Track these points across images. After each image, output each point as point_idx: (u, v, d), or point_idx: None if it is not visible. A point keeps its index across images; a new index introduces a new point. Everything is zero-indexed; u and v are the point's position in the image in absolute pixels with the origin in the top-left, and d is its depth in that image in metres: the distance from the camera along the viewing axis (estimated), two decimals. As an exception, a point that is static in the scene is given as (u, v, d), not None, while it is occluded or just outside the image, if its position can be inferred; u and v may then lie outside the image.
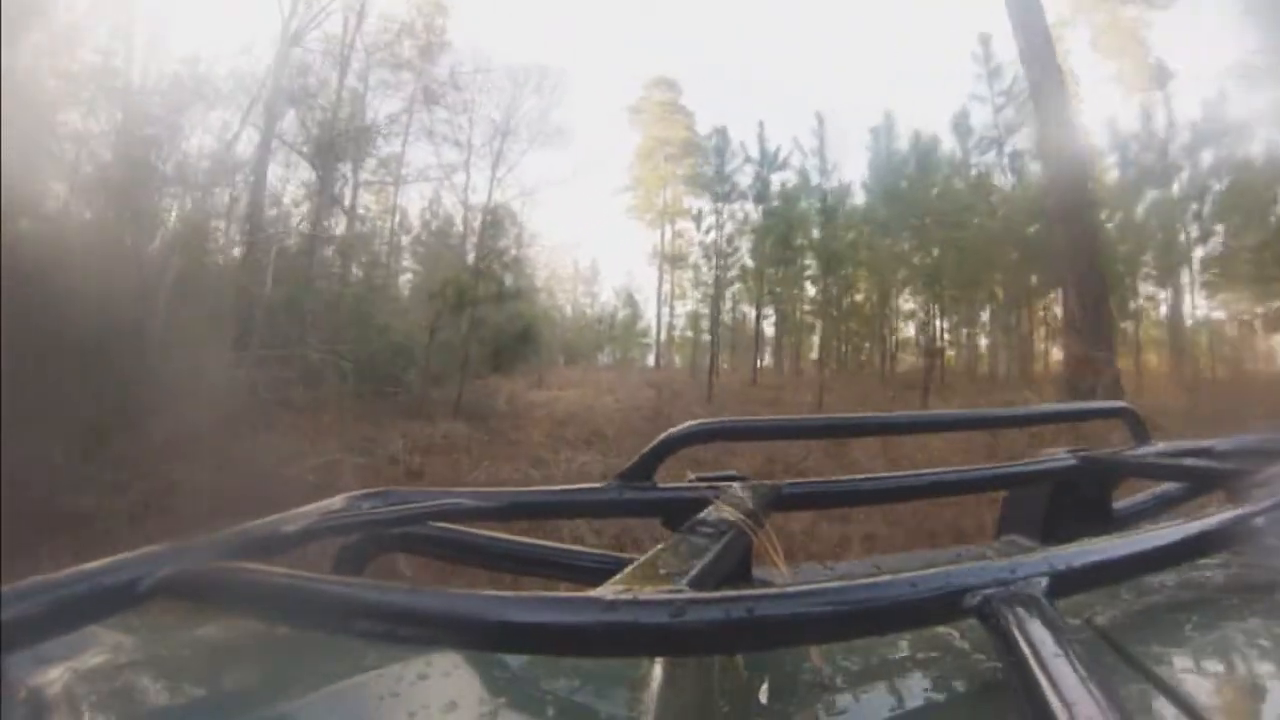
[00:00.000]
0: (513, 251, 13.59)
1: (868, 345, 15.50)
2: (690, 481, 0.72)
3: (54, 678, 0.47)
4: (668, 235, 16.77)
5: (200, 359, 7.41)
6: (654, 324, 17.27)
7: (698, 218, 14.62)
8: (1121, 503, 0.88)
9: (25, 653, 0.41)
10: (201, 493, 4.89)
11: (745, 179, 14.19)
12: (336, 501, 0.60)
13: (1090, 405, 1.13)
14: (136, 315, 7.37)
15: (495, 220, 13.27)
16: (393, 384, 11.34)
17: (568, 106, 13.89)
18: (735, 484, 0.68)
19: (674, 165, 16.56)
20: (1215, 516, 0.52)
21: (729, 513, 0.58)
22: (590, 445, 8.98)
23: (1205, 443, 0.87)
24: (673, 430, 0.77)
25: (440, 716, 0.44)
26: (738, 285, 14.54)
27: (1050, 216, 11.59)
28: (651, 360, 17.21)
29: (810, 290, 14.94)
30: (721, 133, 14.38)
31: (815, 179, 14.33)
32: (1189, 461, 0.85)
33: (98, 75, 9.77)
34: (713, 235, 14.06)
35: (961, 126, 14.40)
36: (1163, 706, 0.41)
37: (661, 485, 0.73)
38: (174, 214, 10.53)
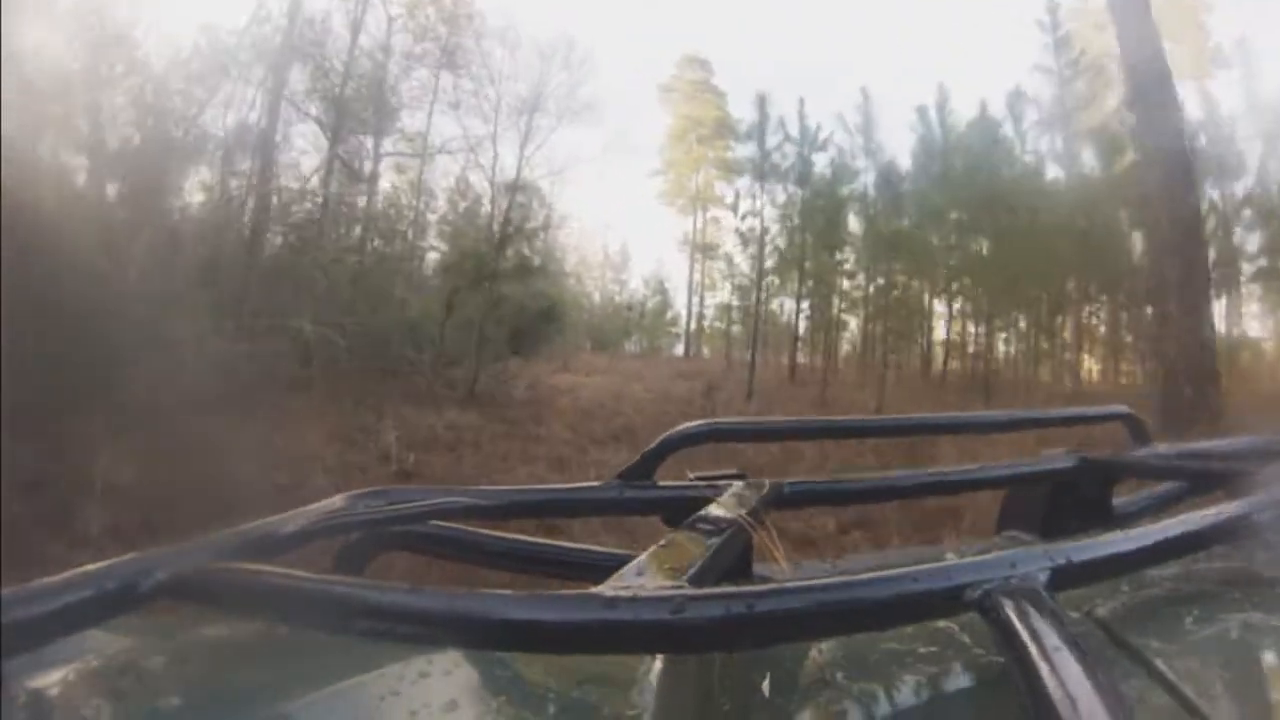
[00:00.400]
0: (541, 233, 12.85)
1: (902, 344, 14.63)
2: (691, 480, 0.73)
3: (54, 681, 0.47)
4: (699, 222, 16.37)
5: (168, 329, 6.23)
6: (683, 313, 17.01)
7: (735, 202, 14.04)
8: (1121, 501, 0.88)
9: (25, 656, 0.41)
10: (127, 493, 4.09)
11: (784, 161, 13.50)
12: (337, 501, 0.61)
13: (1091, 410, 1.12)
14: (94, 282, 6.03)
15: (519, 189, 12.30)
16: (405, 364, 10.26)
17: (597, 83, 13.57)
18: (736, 483, 0.68)
19: (706, 148, 16.27)
20: (1215, 511, 0.52)
21: (729, 510, 0.58)
22: (620, 441, 8.23)
23: (1204, 444, 0.88)
24: (673, 430, 0.77)
25: (440, 715, 0.45)
26: (773, 276, 13.76)
27: (1153, 202, 10.18)
28: (679, 350, 16.93)
29: (847, 283, 14.11)
30: (764, 98, 13.66)
31: (861, 160, 13.50)
32: (1188, 463, 0.85)
33: (117, 47, 9.00)
34: (749, 221, 13.49)
35: (1018, 104, 13.20)
36: (1163, 699, 0.41)
37: (662, 484, 0.74)
38: (162, 177, 9.41)
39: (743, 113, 15.11)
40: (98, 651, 0.52)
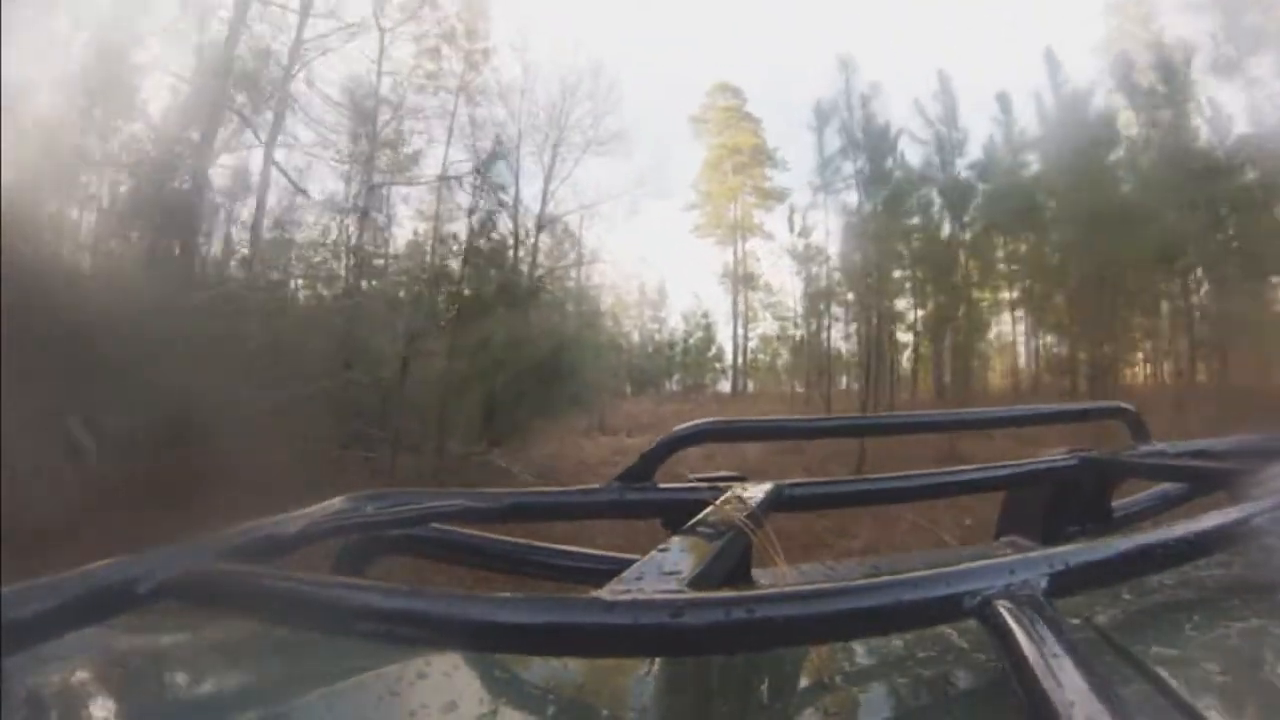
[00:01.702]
0: (571, 270, 10.93)
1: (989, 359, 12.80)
2: (690, 482, 0.73)
3: (55, 679, 0.47)
4: (739, 253, 15.05)
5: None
6: (726, 347, 15.65)
7: (790, 218, 12.82)
8: (1121, 502, 0.89)
9: (26, 654, 0.41)
10: None
11: (849, 166, 11.60)
12: (337, 503, 0.61)
13: (1090, 405, 1.12)
14: None
15: (543, 223, 9.72)
16: (365, 445, 7.13)
17: (624, 114, 11.90)
18: (735, 484, 0.68)
19: (744, 176, 15.78)
20: (1215, 517, 0.51)
21: (728, 513, 0.58)
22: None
23: (1204, 443, 0.88)
24: (674, 430, 0.78)
25: (440, 716, 0.45)
26: (839, 294, 12.23)
27: None
28: (725, 386, 15.64)
29: (902, 303, 12.23)
30: (849, 62, 11.59)
31: (944, 153, 11.53)
32: (1188, 462, 0.85)
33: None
34: (803, 239, 12.12)
35: (1124, 66, 10.60)
36: (1163, 706, 0.40)
37: (662, 486, 0.74)
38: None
39: (777, 140, 14.75)
40: (98, 651, 0.52)
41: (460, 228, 9.75)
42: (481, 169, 9.62)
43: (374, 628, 0.39)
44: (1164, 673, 0.43)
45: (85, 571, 0.44)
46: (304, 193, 9.27)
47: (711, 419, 0.83)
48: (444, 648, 0.48)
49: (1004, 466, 0.87)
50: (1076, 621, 0.50)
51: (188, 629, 0.59)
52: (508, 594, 0.37)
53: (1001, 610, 0.38)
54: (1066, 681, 0.33)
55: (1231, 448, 0.85)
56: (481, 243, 9.45)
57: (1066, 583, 0.42)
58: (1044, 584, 0.40)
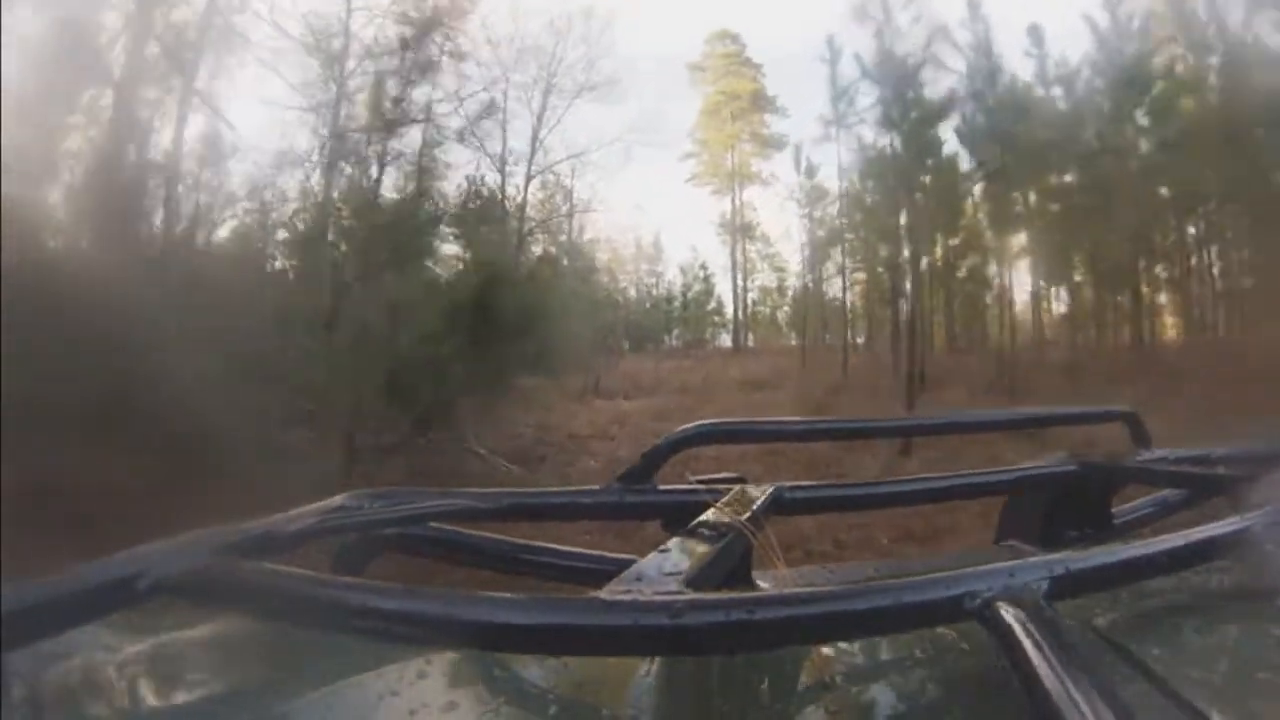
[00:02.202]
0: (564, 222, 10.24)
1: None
2: (690, 484, 0.72)
3: (54, 676, 0.47)
4: (738, 201, 14.42)
5: None
6: (725, 301, 14.93)
7: (797, 154, 12.12)
8: (1121, 507, 0.88)
9: (25, 650, 0.41)
10: None
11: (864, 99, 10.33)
12: (337, 501, 0.61)
13: (1093, 409, 1.12)
14: None
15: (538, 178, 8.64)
16: (310, 426, 5.86)
17: (617, 56, 11.03)
18: (735, 487, 0.68)
19: (743, 123, 15.43)
20: (1215, 524, 0.52)
21: (728, 515, 0.58)
22: None
23: (1205, 449, 0.87)
24: (674, 431, 0.78)
25: (440, 716, 0.45)
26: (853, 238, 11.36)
27: None
28: (726, 339, 14.91)
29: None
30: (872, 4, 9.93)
31: (963, 88, 10.02)
32: (1189, 468, 0.85)
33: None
34: (805, 177, 11.39)
35: None
36: (1163, 709, 0.40)
37: (662, 488, 0.74)
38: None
39: (777, 88, 14.38)
40: (98, 649, 0.52)
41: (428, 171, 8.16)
42: (408, 44, 7.76)
43: (373, 627, 0.39)
44: (1164, 676, 0.43)
45: (85, 568, 0.44)
46: (230, 125, 7.66)
47: (713, 420, 0.83)
48: (444, 648, 0.48)
49: (1005, 471, 0.87)
50: (1076, 624, 0.50)
51: (187, 627, 0.59)
52: (508, 594, 0.37)
53: (1002, 613, 0.38)
54: (1068, 683, 0.33)
55: (1232, 454, 0.85)
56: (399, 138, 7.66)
57: (1067, 586, 0.42)
58: (1044, 587, 0.40)
